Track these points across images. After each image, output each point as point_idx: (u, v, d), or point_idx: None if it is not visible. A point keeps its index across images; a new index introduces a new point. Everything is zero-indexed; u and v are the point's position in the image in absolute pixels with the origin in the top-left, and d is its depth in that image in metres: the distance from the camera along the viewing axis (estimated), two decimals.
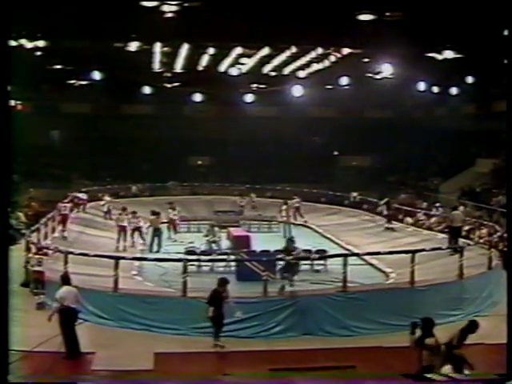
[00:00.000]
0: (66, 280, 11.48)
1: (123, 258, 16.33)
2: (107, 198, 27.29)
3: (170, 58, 26.96)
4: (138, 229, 21.34)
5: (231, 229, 22.75)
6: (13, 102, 28.85)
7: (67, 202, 23.16)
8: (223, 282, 11.82)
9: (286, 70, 29.07)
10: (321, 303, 12.74)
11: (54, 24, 20.03)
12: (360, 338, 12.17)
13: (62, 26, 20.07)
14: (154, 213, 22.11)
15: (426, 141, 36.75)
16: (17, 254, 14.68)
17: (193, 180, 36.13)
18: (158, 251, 20.76)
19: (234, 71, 28.53)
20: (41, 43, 22.93)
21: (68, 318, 10.95)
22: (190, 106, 39.28)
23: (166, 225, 23.64)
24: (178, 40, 23.51)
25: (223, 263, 17.59)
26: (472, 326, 9.17)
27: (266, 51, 24.74)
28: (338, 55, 25.05)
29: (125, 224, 20.95)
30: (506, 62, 5.27)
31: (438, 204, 27.36)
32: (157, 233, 21.40)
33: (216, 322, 11.50)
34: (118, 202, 28.16)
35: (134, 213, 21.53)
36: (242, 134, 39.15)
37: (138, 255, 19.40)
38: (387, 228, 24.52)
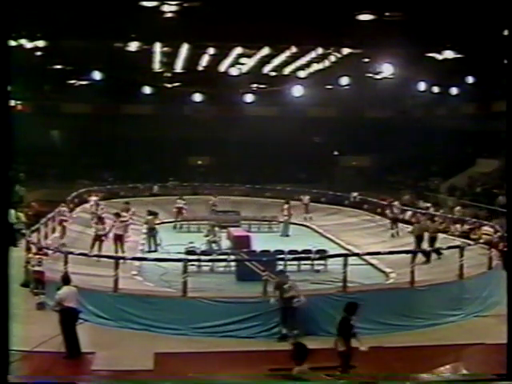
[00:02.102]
0: (66, 280, 11.48)
1: (123, 258, 16.38)
2: (93, 198, 26.10)
3: (170, 58, 26.95)
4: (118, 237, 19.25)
5: (231, 229, 22.75)
6: (13, 102, 28.77)
7: (66, 206, 22.71)
8: (354, 308, 9.91)
9: (286, 70, 29.06)
10: (321, 303, 12.74)
11: (54, 24, 20.00)
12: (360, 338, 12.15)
13: (62, 26, 20.05)
14: (150, 213, 22.15)
15: (426, 141, 36.73)
16: (17, 254, 14.68)
17: (193, 180, 36.12)
18: (156, 251, 20.77)
19: (234, 71, 28.52)
20: (41, 43, 22.91)
21: (68, 317, 10.95)
22: (190, 106, 39.21)
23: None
24: (177, 40, 23.48)
25: (223, 263, 17.64)
26: (299, 351, 7.56)
27: (266, 51, 24.72)
28: (338, 55, 25.03)
29: (119, 232, 19.28)
30: (506, 61, 5.27)
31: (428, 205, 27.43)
32: (152, 232, 21.41)
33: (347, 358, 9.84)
34: (117, 201, 28.16)
35: (117, 215, 20.14)
36: (242, 133, 39.10)
37: (138, 255, 19.43)
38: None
